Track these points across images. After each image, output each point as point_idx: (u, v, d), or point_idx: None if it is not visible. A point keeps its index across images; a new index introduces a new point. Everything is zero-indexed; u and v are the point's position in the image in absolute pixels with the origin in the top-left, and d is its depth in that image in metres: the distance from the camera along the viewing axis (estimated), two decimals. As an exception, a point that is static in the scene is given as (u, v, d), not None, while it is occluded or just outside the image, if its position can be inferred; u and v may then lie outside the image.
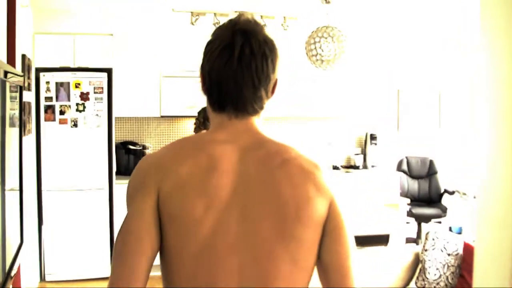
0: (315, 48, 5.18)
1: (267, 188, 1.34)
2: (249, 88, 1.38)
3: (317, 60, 5.21)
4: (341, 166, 7.41)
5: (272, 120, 7.19)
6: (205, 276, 1.32)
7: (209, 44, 1.42)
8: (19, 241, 3.40)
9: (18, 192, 3.40)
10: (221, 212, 1.32)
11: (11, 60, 4.00)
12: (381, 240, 4.93)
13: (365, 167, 7.35)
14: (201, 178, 1.33)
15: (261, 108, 1.44)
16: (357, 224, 5.08)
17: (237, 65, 1.36)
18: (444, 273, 4.09)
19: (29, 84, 5.00)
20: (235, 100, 1.39)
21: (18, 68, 4.36)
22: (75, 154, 6.00)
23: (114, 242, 1.37)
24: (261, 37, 1.39)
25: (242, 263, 1.31)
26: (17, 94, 3.36)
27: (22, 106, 3.17)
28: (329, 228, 1.36)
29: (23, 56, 4.64)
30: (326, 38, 5.14)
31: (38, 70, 5.98)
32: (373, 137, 7.36)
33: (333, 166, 7.28)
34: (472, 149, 7.30)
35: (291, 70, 6.76)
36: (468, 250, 4.01)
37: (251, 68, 1.36)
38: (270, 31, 1.45)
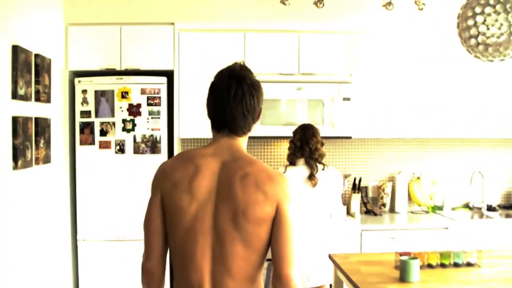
0: (475, 24, 3.20)
1: (229, 193, 1.90)
2: (241, 117, 2.00)
3: (478, 44, 3.22)
4: (498, 206, 5.25)
5: (395, 143, 5.19)
6: (189, 249, 1.91)
7: (213, 85, 2.04)
8: None
9: None
10: (201, 206, 1.90)
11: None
12: None
13: (534, 207, 5.19)
14: (188, 181, 1.93)
15: (249, 130, 2.06)
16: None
17: (233, 101, 1.98)
18: None
19: (37, 92, 3.39)
20: (230, 125, 2.01)
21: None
22: (121, 191, 4.35)
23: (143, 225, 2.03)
24: (249, 81, 2.01)
25: (212, 243, 1.89)
26: None
27: None
28: (275, 223, 1.90)
29: (15, 48, 3.02)
30: (494, 7, 3.15)
31: (73, 75, 4.41)
32: (543, 165, 5.34)
33: (487, 206, 5.13)
34: None
35: (426, 69, 4.79)
36: None
37: (242, 104, 1.98)
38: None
